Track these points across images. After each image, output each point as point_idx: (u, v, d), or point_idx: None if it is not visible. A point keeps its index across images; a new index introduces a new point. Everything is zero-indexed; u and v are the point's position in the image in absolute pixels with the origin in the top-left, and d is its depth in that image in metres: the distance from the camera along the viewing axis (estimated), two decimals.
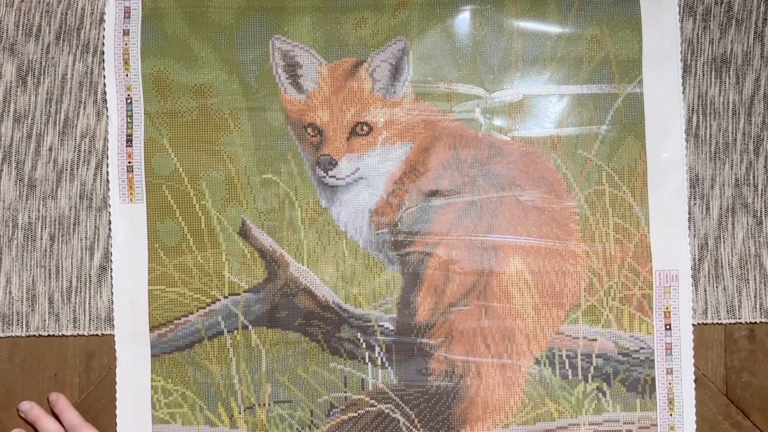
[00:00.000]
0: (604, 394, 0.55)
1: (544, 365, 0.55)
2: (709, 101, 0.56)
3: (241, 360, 0.56)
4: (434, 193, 0.56)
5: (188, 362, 0.56)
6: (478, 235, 0.55)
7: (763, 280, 0.56)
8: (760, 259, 0.56)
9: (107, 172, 0.56)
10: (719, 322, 0.56)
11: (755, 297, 0.56)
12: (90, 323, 0.56)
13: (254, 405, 0.55)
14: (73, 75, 0.57)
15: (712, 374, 0.56)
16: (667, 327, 0.55)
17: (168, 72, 0.56)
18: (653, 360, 0.55)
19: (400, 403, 0.55)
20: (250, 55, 0.56)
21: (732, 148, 0.56)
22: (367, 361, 0.56)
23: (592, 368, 0.55)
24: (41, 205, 0.56)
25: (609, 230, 0.56)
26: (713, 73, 0.57)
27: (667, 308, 0.56)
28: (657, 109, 0.56)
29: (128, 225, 0.56)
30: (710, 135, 0.56)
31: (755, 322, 0.56)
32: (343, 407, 0.56)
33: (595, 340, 0.55)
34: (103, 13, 0.57)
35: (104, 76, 0.56)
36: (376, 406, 0.55)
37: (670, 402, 0.55)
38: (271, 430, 0.55)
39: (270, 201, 0.56)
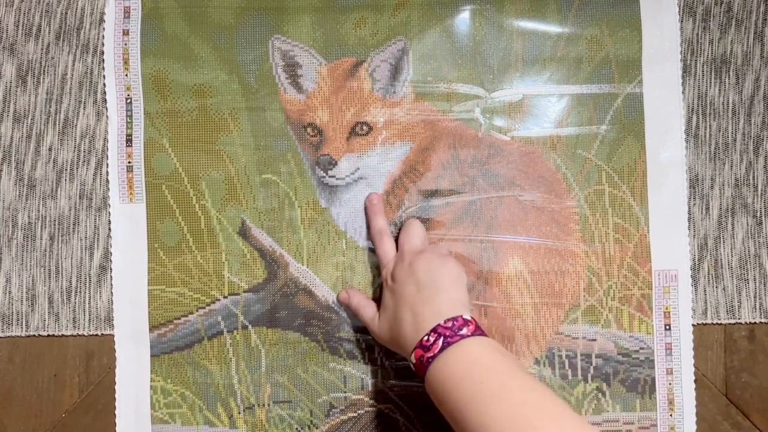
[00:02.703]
0: (604, 395, 0.55)
1: (544, 365, 0.55)
2: (708, 101, 0.56)
3: (241, 360, 0.56)
4: (434, 193, 0.56)
5: (188, 362, 0.56)
6: (477, 235, 0.55)
7: (762, 281, 0.56)
8: (760, 260, 0.56)
9: (107, 172, 0.56)
10: (719, 322, 0.56)
11: (755, 297, 0.56)
12: (90, 323, 0.56)
13: (254, 405, 0.55)
14: (73, 75, 0.57)
15: (711, 374, 0.56)
16: (667, 327, 0.55)
17: (168, 72, 0.56)
18: (653, 360, 0.55)
19: (400, 403, 0.55)
20: (249, 55, 0.56)
21: (732, 149, 0.56)
22: (366, 361, 0.56)
23: (591, 368, 0.55)
24: (41, 205, 0.56)
25: (609, 230, 0.56)
26: (713, 73, 0.56)
27: (666, 308, 0.56)
28: (657, 109, 0.56)
29: (128, 225, 0.56)
30: (710, 135, 0.56)
31: (755, 323, 0.56)
32: (343, 407, 0.56)
33: (595, 340, 0.55)
34: (103, 13, 0.57)
35: (104, 76, 0.56)
36: (375, 406, 0.55)
37: (670, 402, 0.55)
38: (271, 430, 0.55)
39: (270, 201, 0.56)
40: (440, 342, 0.44)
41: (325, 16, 0.56)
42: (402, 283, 0.49)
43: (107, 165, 0.56)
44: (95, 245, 0.56)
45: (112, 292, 0.56)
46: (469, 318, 0.46)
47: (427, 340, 0.45)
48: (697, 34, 0.57)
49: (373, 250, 0.55)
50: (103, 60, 0.56)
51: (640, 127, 0.56)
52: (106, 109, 0.56)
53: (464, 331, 0.44)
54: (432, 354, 0.44)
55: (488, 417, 0.39)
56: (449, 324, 0.45)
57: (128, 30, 0.56)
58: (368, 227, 0.55)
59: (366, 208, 0.55)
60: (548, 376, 0.55)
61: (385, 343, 0.51)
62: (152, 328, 0.56)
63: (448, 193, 0.56)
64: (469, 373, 0.42)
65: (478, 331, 0.45)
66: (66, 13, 0.57)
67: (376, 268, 0.56)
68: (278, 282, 0.56)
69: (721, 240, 0.56)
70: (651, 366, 0.55)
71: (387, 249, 0.53)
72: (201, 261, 0.56)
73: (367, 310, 0.52)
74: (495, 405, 0.39)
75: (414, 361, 0.46)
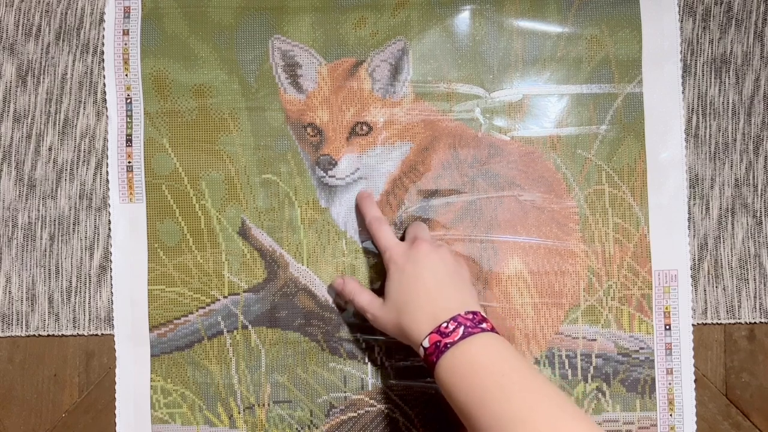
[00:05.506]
0: (604, 395, 0.55)
1: (544, 365, 0.55)
2: (708, 101, 0.56)
3: (241, 360, 0.56)
4: (434, 193, 0.56)
5: (188, 362, 0.56)
6: (477, 235, 0.55)
7: (762, 281, 0.56)
8: (760, 260, 0.56)
9: (107, 172, 0.56)
10: (719, 322, 0.56)
11: (755, 297, 0.56)
12: (90, 323, 0.56)
13: (254, 405, 0.56)
14: (73, 75, 0.57)
15: (711, 374, 0.56)
16: (667, 327, 0.55)
17: (168, 72, 0.56)
18: (653, 360, 0.55)
19: (400, 403, 0.55)
20: (249, 55, 0.56)
21: (732, 148, 0.56)
22: (366, 361, 0.56)
23: (591, 368, 0.55)
24: (41, 205, 0.56)
25: (608, 230, 0.56)
26: (713, 73, 0.56)
27: (666, 308, 0.56)
28: (657, 109, 0.56)
29: (128, 225, 0.56)
30: (710, 135, 0.56)
31: (755, 323, 0.56)
32: (343, 407, 0.56)
33: (595, 340, 0.55)
34: (103, 13, 0.57)
35: (104, 76, 0.56)
36: (375, 406, 0.55)
37: (670, 402, 0.55)
38: (271, 430, 0.55)
39: (270, 201, 0.56)
40: (461, 330, 0.44)
41: (325, 16, 0.56)
42: (417, 269, 0.49)
43: (107, 165, 0.56)
44: (95, 245, 0.56)
45: (112, 292, 0.56)
46: (486, 317, 0.46)
47: (446, 326, 0.45)
48: (697, 34, 0.57)
49: (369, 251, 0.55)
50: (103, 60, 0.56)
51: (640, 127, 0.56)
52: (106, 109, 0.56)
53: (484, 325, 0.45)
54: (451, 340, 0.44)
55: (507, 410, 0.40)
56: (469, 316, 0.45)
57: (128, 30, 0.56)
58: (363, 219, 0.54)
59: (357, 204, 0.55)
60: (548, 376, 0.55)
61: (385, 328, 0.50)
62: (152, 328, 0.56)
63: (448, 193, 0.56)
64: (488, 365, 0.42)
65: (495, 330, 0.46)
66: (66, 13, 0.57)
67: (375, 269, 0.56)
68: (278, 282, 0.56)
69: (721, 240, 0.56)
70: (651, 366, 0.55)
71: (388, 235, 0.52)
72: (201, 261, 0.56)
73: (363, 295, 0.52)
74: (515, 399, 0.40)
75: (427, 345, 0.45)
